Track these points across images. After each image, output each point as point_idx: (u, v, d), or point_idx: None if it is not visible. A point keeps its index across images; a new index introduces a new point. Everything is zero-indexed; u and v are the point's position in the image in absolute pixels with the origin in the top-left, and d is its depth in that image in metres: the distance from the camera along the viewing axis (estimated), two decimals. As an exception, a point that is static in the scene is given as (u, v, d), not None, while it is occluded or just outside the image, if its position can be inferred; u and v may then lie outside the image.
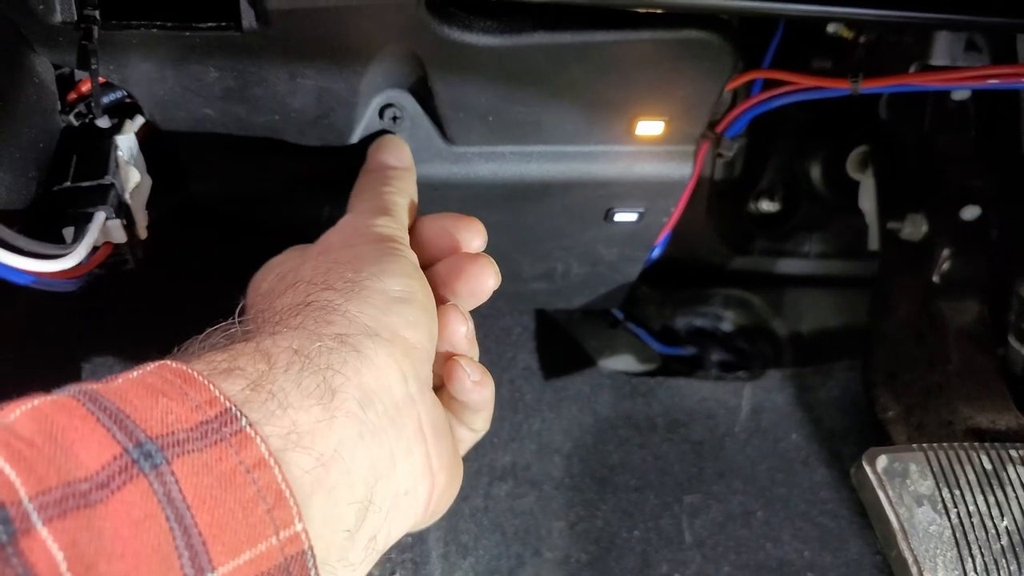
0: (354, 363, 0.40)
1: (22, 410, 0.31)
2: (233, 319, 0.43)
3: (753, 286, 1.03)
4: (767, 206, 0.97)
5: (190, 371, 0.35)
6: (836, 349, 0.99)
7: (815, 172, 0.93)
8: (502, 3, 0.53)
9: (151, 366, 0.35)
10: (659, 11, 0.54)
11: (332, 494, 0.36)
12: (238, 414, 0.33)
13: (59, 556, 0.27)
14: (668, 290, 1.03)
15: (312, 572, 0.33)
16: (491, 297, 0.86)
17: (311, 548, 0.33)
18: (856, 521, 0.85)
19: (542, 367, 0.94)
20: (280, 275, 0.48)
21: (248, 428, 0.33)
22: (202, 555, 0.30)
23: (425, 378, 0.46)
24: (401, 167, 0.56)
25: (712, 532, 0.86)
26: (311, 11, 0.49)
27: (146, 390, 0.33)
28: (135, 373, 0.34)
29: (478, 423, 0.53)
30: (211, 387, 0.34)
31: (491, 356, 0.92)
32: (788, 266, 1.02)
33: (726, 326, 1.03)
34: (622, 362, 1.01)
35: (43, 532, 0.27)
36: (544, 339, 0.95)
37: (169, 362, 0.35)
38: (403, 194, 0.55)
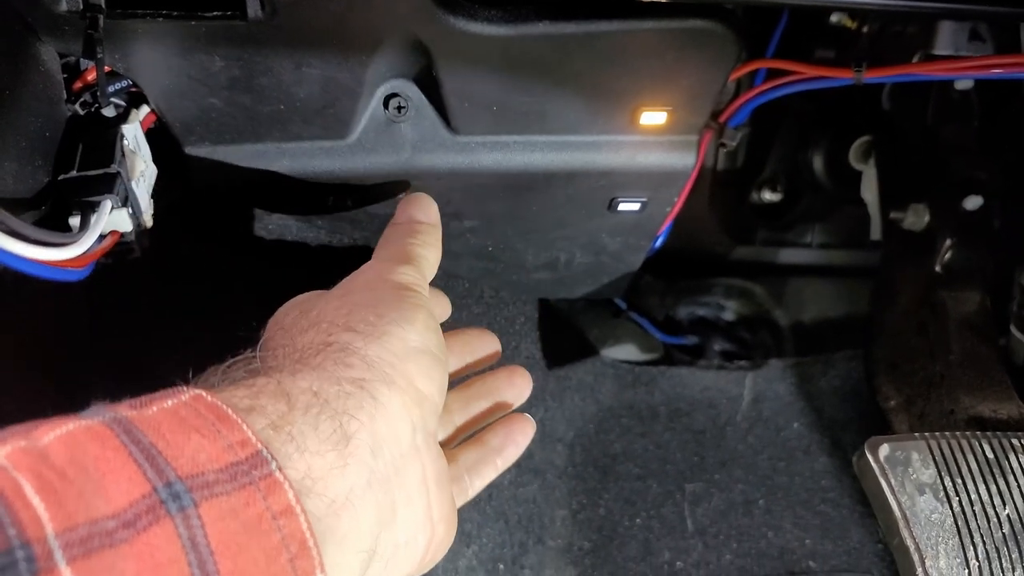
0: (369, 409, 0.40)
1: (56, 434, 0.30)
2: (253, 351, 0.43)
3: (755, 276, 1.03)
4: (769, 196, 0.97)
5: (224, 408, 0.34)
6: (838, 339, 0.99)
7: (817, 162, 0.93)
8: (507, -8, 0.54)
9: (185, 395, 0.35)
10: (663, 1, 0.54)
11: (343, 543, 0.36)
12: (268, 457, 0.33)
13: None
14: (671, 280, 1.04)
15: None
16: (495, 287, 0.87)
17: None
18: (857, 509, 0.85)
19: (545, 356, 0.94)
20: (303, 311, 0.48)
21: (277, 473, 0.33)
22: None
23: (432, 429, 0.46)
24: (427, 223, 0.57)
25: (714, 520, 0.87)
26: (316, 0, 0.49)
27: (179, 424, 0.33)
28: (169, 403, 0.34)
29: (477, 484, 0.56)
30: (244, 427, 0.34)
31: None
32: (790, 256, 1.02)
33: (728, 316, 1.04)
34: (625, 351, 1.02)
35: (66, 572, 0.27)
36: (547, 329, 0.96)
37: (204, 394, 0.35)
38: (428, 247, 0.55)
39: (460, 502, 0.55)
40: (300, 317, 0.47)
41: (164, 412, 0.33)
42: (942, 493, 0.61)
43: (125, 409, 0.33)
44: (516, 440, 0.59)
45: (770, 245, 1.01)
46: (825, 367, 0.96)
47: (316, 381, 0.39)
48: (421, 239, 0.55)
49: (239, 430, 0.34)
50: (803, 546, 0.85)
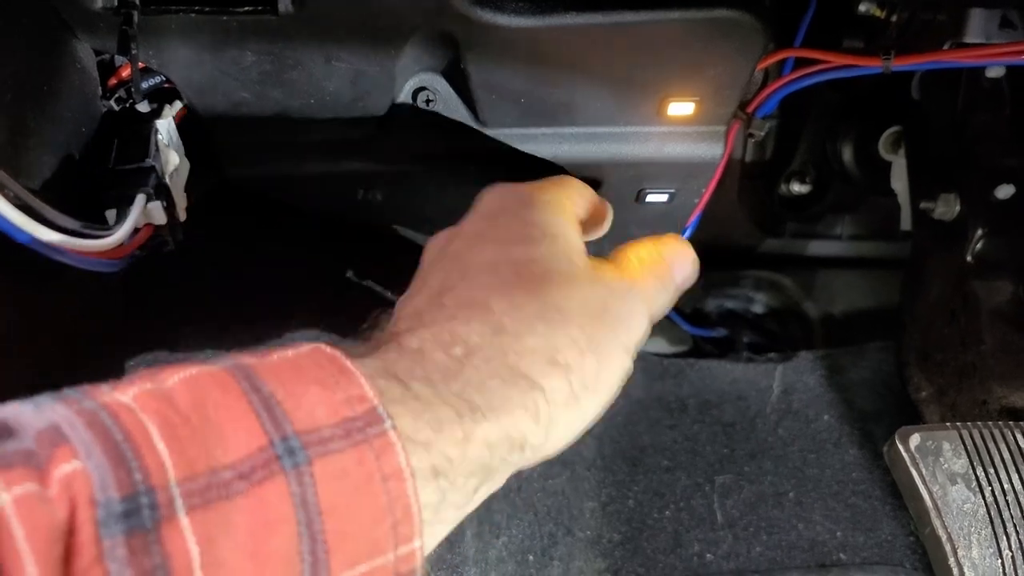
0: (505, 471, 0.40)
1: (180, 377, 0.31)
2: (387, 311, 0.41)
3: (784, 268, 1.03)
4: (798, 188, 0.96)
5: (343, 359, 0.34)
6: (868, 330, 0.98)
7: (847, 153, 0.92)
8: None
9: (305, 347, 0.35)
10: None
11: (443, 518, 0.37)
12: (384, 415, 0.33)
13: (195, 551, 0.27)
14: (699, 272, 1.03)
15: None
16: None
17: (422, 565, 0.33)
18: (888, 501, 0.85)
19: None
20: (517, 276, 0.43)
21: (392, 431, 0.33)
22: (323, 564, 0.30)
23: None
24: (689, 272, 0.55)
25: (743, 512, 0.86)
26: None
27: (299, 374, 0.33)
28: (290, 352, 0.34)
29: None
30: (363, 382, 0.34)
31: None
32: (819, 248, 1.02)
33: (757, 308, 1.03)
34: (653, 344, 1.02)
35: (184, 521, 0.27)
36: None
37: (323, 346, 0.35)
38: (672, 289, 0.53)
39: None
40: (517, 289, 0.42)
41: (284, 361, 0.34)
42: (974, 483, 0.61)
43: (247, 357, 0.33)
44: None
45: (799, 237, 1.01)
46: (855, 359, 0.95)
47: (494, 435, 0.38)
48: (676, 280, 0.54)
49: (358, 385, 0.34)
50: (834, 538, 0.84)
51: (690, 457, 0.90)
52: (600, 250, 0.80)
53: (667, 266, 0.52)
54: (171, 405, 0.29)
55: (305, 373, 0.33)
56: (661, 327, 1.02)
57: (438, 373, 0.37)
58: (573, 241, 0.46)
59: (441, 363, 0.37)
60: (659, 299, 0.50)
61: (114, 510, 0.26)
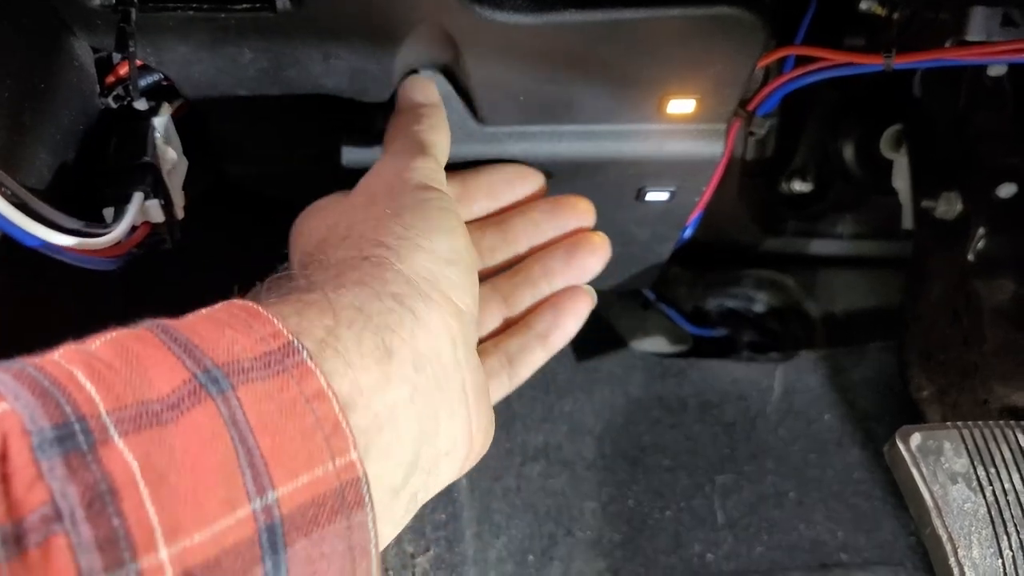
0: (409, 325, 0.41)
1: (102, 340, 0.32)
2: (289, 267, 0.44)
3: (785, 267, 1.03)
4: (799, 186, 0.96)
5: (255, 307, 0.36)
6: (869, 330, 0.98)
7: (848, 152, 0.92)
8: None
9: (219, 304, 0.37)
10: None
11: (386, 455, 0.38)
12: (299, 347, 0.35)
13: (134, 465, 0.28)
14: (700, 271, 1.03)
15: (366, 497, 0.34)
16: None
17: (365, 475, 0.35)
18: (890, 502, 0.85)
19: (574, 348, 0.94)
20: (330, 225, 0.49)
21: (309, 361, 0.35)
22: (264, 475, 0.31)
23: (472, 341, 0.47)
24: (429, 104, 0.56)
25: (744, 512, 0.86)
26: None
27: (214, 323, 0.35)
28: (204, 310, 0.36)
29: (522, 372, 0.56)
30: (275, 321, 0.36)
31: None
32: (821, 247, 1.02)
33: (758, 307, 1.03)
34: (654, 343, 1.02)
35: (119, 443, 0.28)
36: (576, 320, 0.96)
37: (237, 300, 0.37)
38: (436, 131, 0.55)
39: (504, 393, 0.56)
40: (329, 231, 0.48)
41: (199, 316, 0.36)
42: (975, 482, 0.61)
43: (163, 319, 0.35)
44: (564, 324, 0.59)
45: (800, 236, 1.01)
46: (857, 358, 0.95)
47: (358, 297, 0.40)
48: (428, 123, 0.55)
49: (270, 324, 0.35)
50: (835, 538, 0.84)
51: (691, 457, 0.90)
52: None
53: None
54: (95, 356, 0.31)
55: (220, 322, 0.35)
56: (661, 326, 1.02)
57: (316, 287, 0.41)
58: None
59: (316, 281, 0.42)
60: (412, 140, 0.54)
61: (47, 436, 0.27)
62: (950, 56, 0.59)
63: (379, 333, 0.39)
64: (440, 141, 0.55)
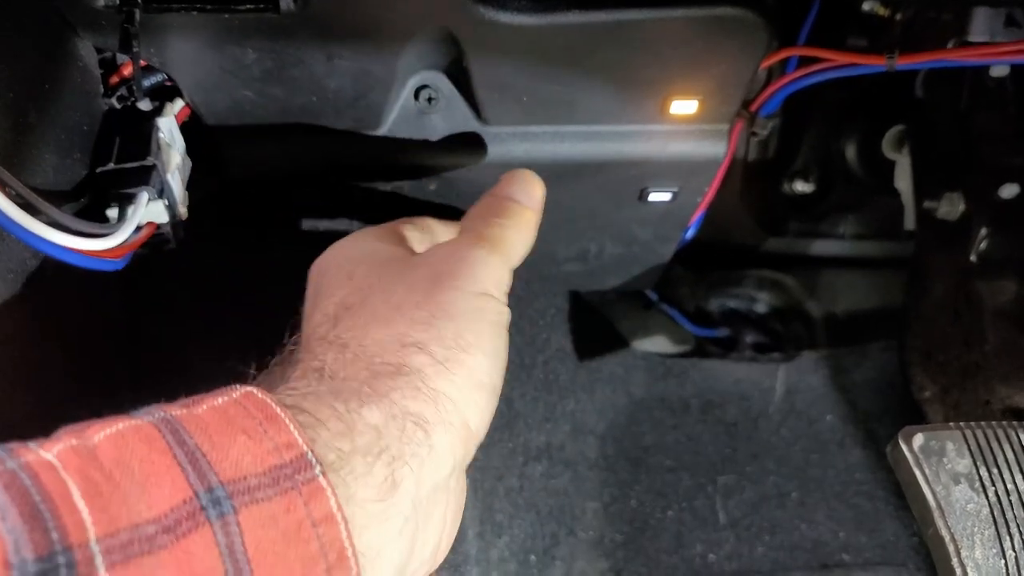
0: (422, 455, 0.39)
1: (105, 434, 0.31)
2: (300, 343, 0.43)
3: (787, 267, 1.03)
4: (802, 187, 0.96)
5: (273, 406, 0.35)
6: (871, 330, 0.98)
7: (850, 152, 0.92)
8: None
9: (236, 392, 0.35)
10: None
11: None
12: (313, 461, 0.33)
13: None
14: (702, 271, 1.03)
15: None
16: (525, 278, 0.87)
17: None
18: (892, 502, 0.85)
19: (576, 348, 0.94)
20: (364, 290, 0.46)
21: (321, 478, 0.33)
22: None
23: (467, 462, 0.45)
24: (525, 205, 0.53)
25: (746, 513, 0.86)
26: None
27: (227, 424, 0.33)
28: (219, 400, 0.34)
29: None
30: (291, 428, 0.34)
31: (525, 337, 0.92)
32: (823, 247, 1.01)
33: (760, 307, 1.03)
34: (656, 343, 1.01)
35: None
36: (578, 321, 0.96)
37: (255, 392, 0.35)
38: (520, 232, 0.51)
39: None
40: (364, 300, 0.45)
41: (213, 411, 0.34)
42: (978, 483, 0.61)
43: (176, 408, 0.33)
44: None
45: (802, 236, 1.01)
46: (859, 359, 0.95)
47: (382, 417, 0.38)
48: (513, 221, 0.51)
49: (286, 431, 0.34)
50: (837, 539, 0.84)
51: (693, 457, 0.90)
52: (602, 247, 0.80)
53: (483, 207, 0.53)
54: (94, 461, 0.29)
55: (233, 422, 0.33)
56: (664, 326, 1.02)
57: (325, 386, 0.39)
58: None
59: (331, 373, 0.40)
60: (489, 231, 0.50)
61: (28, 571, 0.26)
62: (952, 57, 0.59)
63: (391, 465, 0.37)
64: (520, 245, 0.51)
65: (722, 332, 1.01)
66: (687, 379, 0.95)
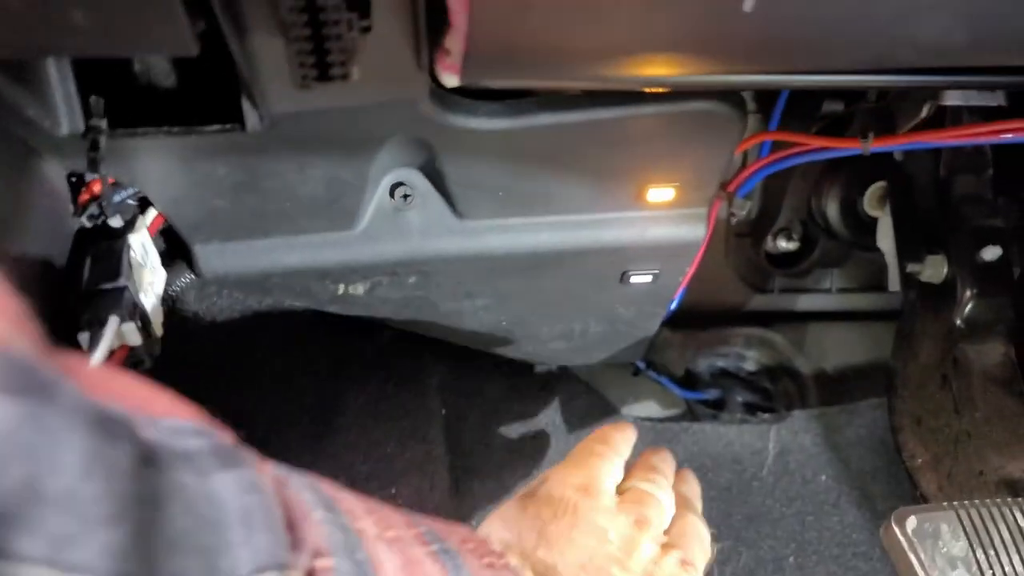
0: None
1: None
2: None
3: (774, 324, 1.02)
4: (785, 244, 0.96)
5: None
6: (862, 385, 0.98)
7: (832, 210, 0.92)
8: (505, 89, 0.53)
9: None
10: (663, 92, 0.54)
11: None
12: None
13: None
14: (689, 332, 1.03)
15: None
16: (512, 354, 0.86)
17: None
18: (890, 563, 0.84)
19: (566, 420, 0.93)
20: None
21: None
22: None
23: None
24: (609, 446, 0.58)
25: (744, 580, 0.85)
26: (315, 111, 0.49)
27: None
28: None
29: None
30: None
31: (513, 414, 0.91)
32: (809, 302, 1.01)
33: (749, 366, 1.02)
34: (646, 408, 1.00)
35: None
36: (566, 392, 0.95)
37: None
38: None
39: None
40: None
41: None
42: (975, 567, 0.60)
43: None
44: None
45: (788, 292, 1.00)
46: (850, 417, 0.95)
47: None
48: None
49: None
50: (836, 603, 0.83)
51: (687, 524, 0.89)
52: (586, 327, 0.79)
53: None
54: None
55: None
56: (653, 391, 1.01)
57: None
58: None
59: None
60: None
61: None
62: (927, 139, 0.59)
63: None
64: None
65: (712, 394, 1.00)
66: (678, 444, 0.94)
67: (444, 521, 0.39)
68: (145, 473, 0.21)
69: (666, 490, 0.56)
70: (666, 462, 0.61)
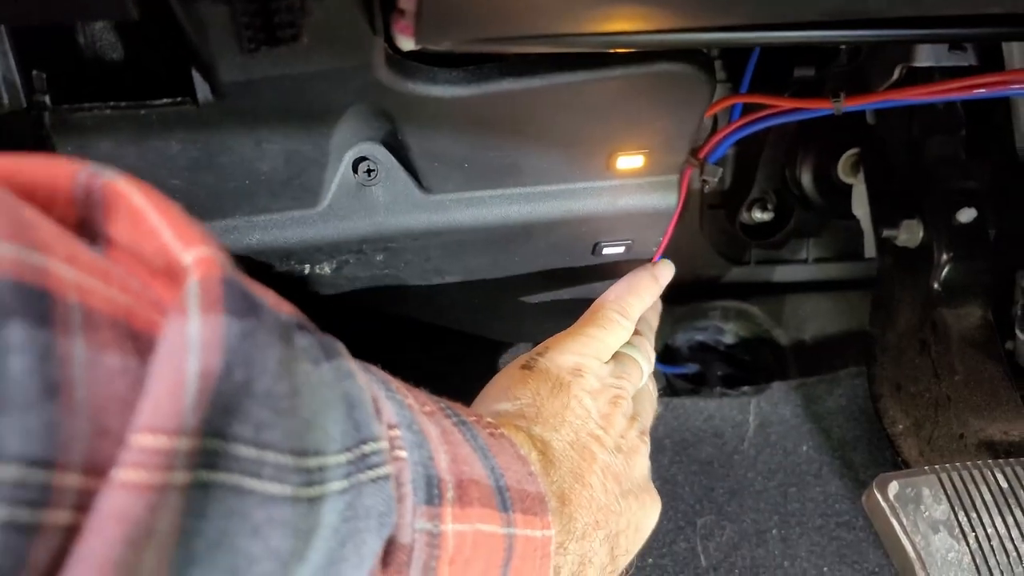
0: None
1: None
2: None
3: (752, 296, 1.01)
4: (760, 215, 0.95)
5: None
6: (841, 355, 0.97)
7: (806, 178, 0.91)
8: (466, 54, 0.52)
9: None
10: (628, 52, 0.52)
11: None
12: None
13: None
14: (666, 306, 1.02)
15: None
16: (485, 332, 0.85)
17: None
18: (873, 532, 0.83)
19: None
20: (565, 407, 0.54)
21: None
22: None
23: None
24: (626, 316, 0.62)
25: (727, 554, 0.84)
26: (267, 80, 0.47)
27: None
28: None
29: None
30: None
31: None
32: (786, 273, 1.00)
33: (728, 338, 1.02)
34: (624, 385, 0.99)
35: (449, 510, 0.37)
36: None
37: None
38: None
39: None
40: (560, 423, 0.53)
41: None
42: (957, 530, 0.59)
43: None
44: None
45: (765, 263, 0.99)
46: (830, 386, 0.94)
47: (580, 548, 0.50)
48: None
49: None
50: (821, 574, 0.83)
51: (669, 500, 0.88)
52: (560, 302, 0.78)
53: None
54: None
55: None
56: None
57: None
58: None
59: None
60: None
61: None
62: (899, 97, 0.58)
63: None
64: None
65: (691, 368, 0.99)
66: (659, 419, 0.93)
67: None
68: (300, 369, 0.27)
69: (646, 350, 0.64)
70: (656, 315, 0.71)
